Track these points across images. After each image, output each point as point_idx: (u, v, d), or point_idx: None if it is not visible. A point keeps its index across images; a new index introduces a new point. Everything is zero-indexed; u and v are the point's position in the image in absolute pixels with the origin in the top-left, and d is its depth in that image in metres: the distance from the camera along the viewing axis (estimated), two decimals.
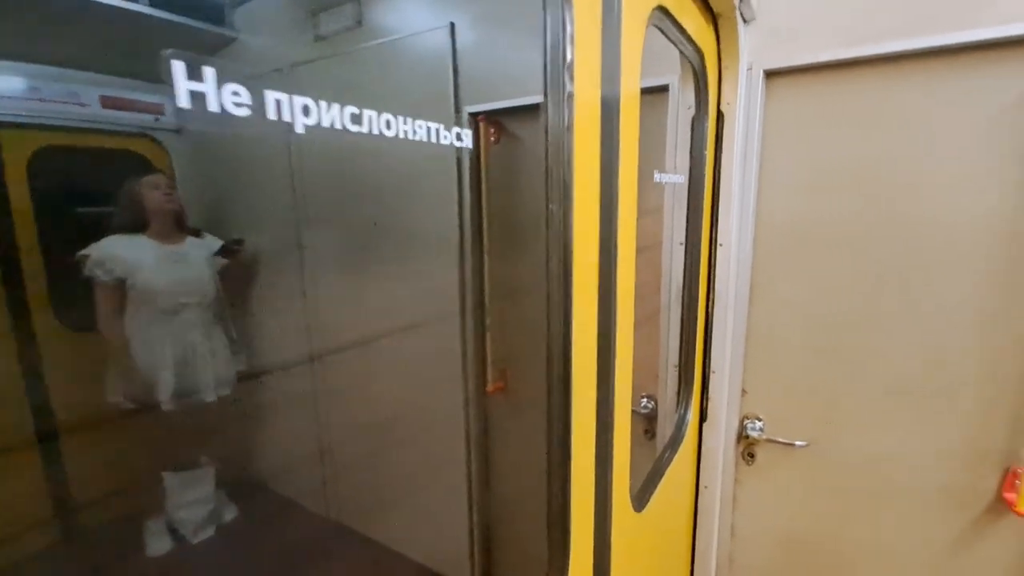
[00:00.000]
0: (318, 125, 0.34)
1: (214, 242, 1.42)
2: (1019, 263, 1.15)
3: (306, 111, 0.33)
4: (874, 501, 1.39)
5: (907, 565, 1.38)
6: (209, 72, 0.27)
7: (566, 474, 0.74)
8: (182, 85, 0.26)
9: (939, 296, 1.24)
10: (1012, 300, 1.17)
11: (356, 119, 0.37)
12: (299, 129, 0.33)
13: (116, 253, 1.20)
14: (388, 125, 0.39)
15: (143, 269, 1.26)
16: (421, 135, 0.44)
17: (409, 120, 0.42)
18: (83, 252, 1.12)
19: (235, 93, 0.29)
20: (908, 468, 1.33)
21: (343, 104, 0.35)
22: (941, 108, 1.18)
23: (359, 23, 1.83)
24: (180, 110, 0.26)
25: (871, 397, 1.35)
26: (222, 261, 1.38)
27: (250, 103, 0.30)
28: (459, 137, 0.52)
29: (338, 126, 0.35)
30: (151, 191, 1.21)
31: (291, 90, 0.34)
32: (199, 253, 1.36)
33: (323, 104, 0.34)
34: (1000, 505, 1.23)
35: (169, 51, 0.25)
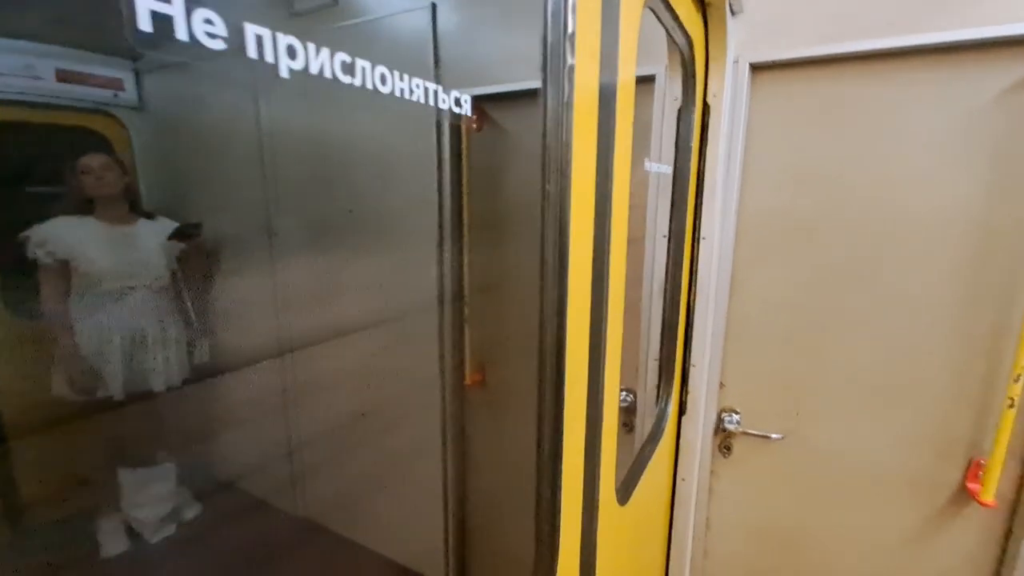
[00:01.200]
0: (305, 70, 0.29)
1: (169, 225, 1.35)
2: (984, 259, 1.19)
3: (291, 53, 0.29)
4: (844, 492, 1.42)
5: (875, 553, 1.41)
6: None
7: (556, 469, 0.72)
8: (143, 4, 0.21)
9: (908, 291, 1.27)
10: (976, 296, 1.20)
11: (348, 68, 0.33)
12: (283, 72, 0.28)
13: (58, 234, 1.11)
14: (383, 80, 0.35)
15: (86, 251, 1.18)
16: (418, 95, 0.40)
17: (406, 77, 0.38)
18: (25, 233, 1.05)
19: (208, 21, 0.24)
20: (877, 459, 1.36)
21: (334, 50, 0.31)
22: (915, 107, 1.20)
23: (336, 1, 1.75)
24: (141, 36, 0.22)
25: (842, 390, 1.38)
26: (179, 246, 1.30)
27: (225, 35, 0.25)
28: (457, 103, 0.48)
29: (328, 74, 0.31)
30: (95, 171, 1.13)
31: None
32: (151, 236, 1.29)
33: (311, 47, 0.30)
34: (964, 495, 1.28)
35: None
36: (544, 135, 0.60)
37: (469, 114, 0.47)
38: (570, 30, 0.57)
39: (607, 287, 0.78)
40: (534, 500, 0.73)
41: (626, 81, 0.76)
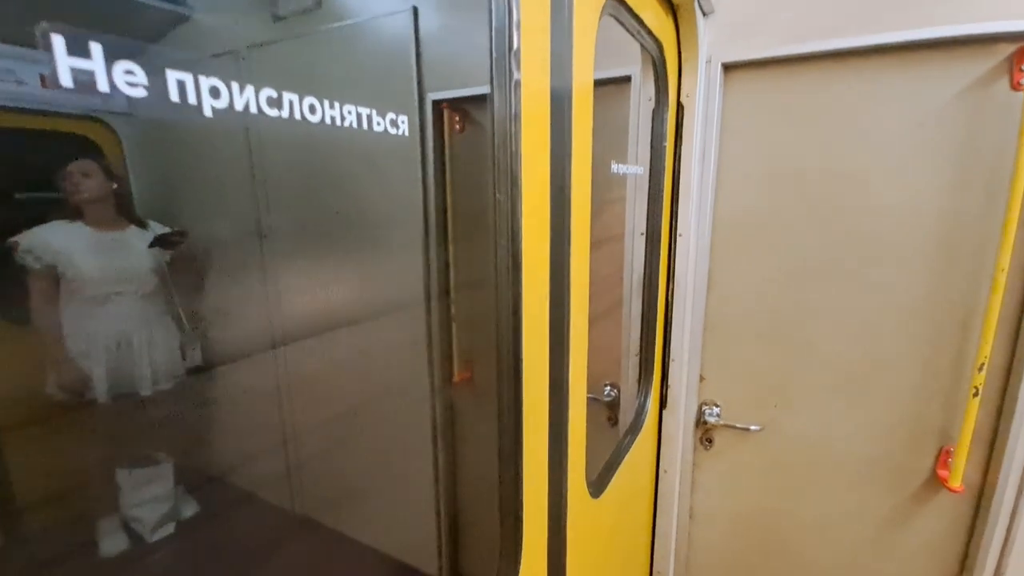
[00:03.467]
0: (229, 108, 0.32)
1: (161, 231, 1.37)
2: (950, 252, 1.21)
3: (215, 93, 0.32)
4: (821, 480, 1.46)
5: (850, 538, 1.45)
6: (96, 48, 0.25)
7: (517, 463, 0.75)
8: (63, 62, 0.24)
9: (878, 284, 1.29)
10: (944, 287, 1.23)
11: (274, 102, 0.35)
12: (207, 112, 0.31)
13: (46, 240, 1.15)
14: (312, 109, 0.38)
15: (73, 256, 1.21)
16: (350, 121, 0.42)
17: (336, 104, 0.41)
18: (14, 239, 1.08)
19: (129, 72, 0.27)
20: (852, 448, 1.40)
21: (259, 87, 0.34)
22: (882, 104, 1.22)
23: (319, 4, 1.77)
24: (63, 89, 0.25)
25: (818, 382, 1.41)
26: (166, 252, 1.34)
27: (146, 84, 0.28)
28: (394, 124, 0.51)
29: (253, 110, 0.34)
30: (81, 177, 1.16)
31: (244, 78, 0.32)
32: (138, 242, 1.32)
33: (235, 85, 0.32)
34: (935, 481, 1.31)
35: (45, 24, 0.23)
36: (493, 148, 0.63)
37: (406, 134, 0.50)
38: (515, 46, 0.60)
39: (567, 286, 0.81)
40: (498, 493, 0.77)
41: (582, 89, 0.78)
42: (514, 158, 0.63)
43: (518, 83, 0.62)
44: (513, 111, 0.62)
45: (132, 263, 1.34)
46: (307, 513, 2.09)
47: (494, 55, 0.60)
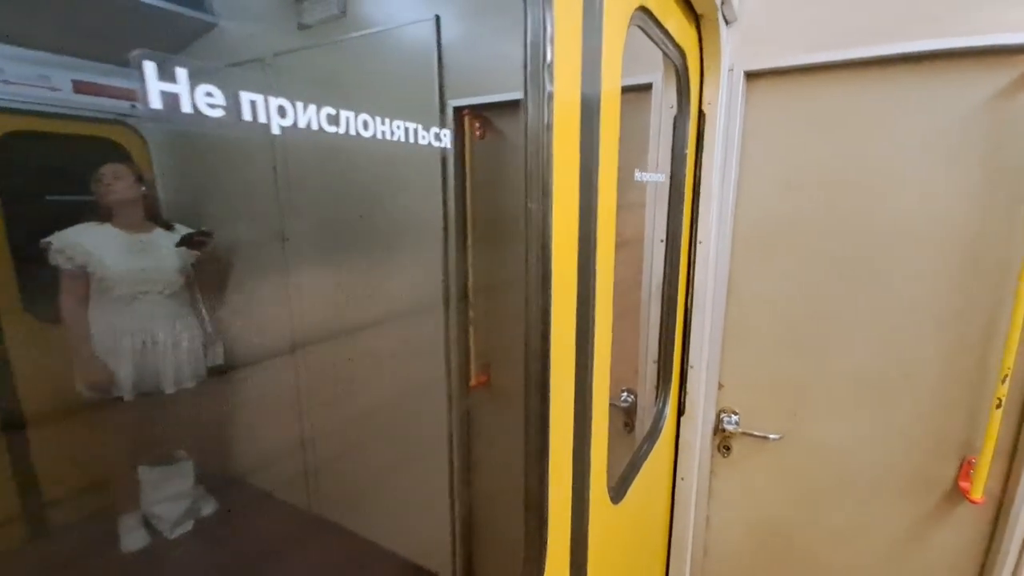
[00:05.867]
0: (294, 126, 0.34)
1: (184, 232, 1.41)
2: (972, 263, 1.20)
3: (282, 112, 0.34)
4: (842, 490, 1.44)
5: (868, 549, 1.43)
6: (182, 73, 0.27)
7: (543, 467, 0.76)
8: (154, 87, 0.26)
9: (901, 293, 1.28)
10: (968, 297, 1.22)
11: (333, 120, 0.37)
12: (275, 130, 0.33)
13: (78, 241, 1.19)
14: (365, 126, 0.40)
15: (103, 257, 1.25)
16: (398, 135, 0.44)
17: (387, 120, 0.42)
18: (47, 240, 1.12)
19: (208, 94, 0.29)
20: (873, 458, 1.38)
21: (320, 105, 0.36)
22: (905, 113, 1.22)
23: (343, 12, 1.81)
24: (153, 111, 0.26)
25: (840, 391, 1.40)
26: (192, 253, 1.37)
27: (224, 104, 0.30)
28: (438, 137, 0.53)
29: (315, 127, 0.36)
30: (112, 180, 1.20)
31: (270, 87, 0.34)
32: (165, 244, 1.36)
33: (299, 105, 0.34)
34: (956, 493, 1.29)
35: (139, 51, 0.25)
36: (526, 157, 0.64)
37: (449, 147, 0.51)
38: (548, 60, 0.62)
39: (593, 295, 0.82)
40: (523, 497, 0.78)
41: (610, 99, 0.80)
42: (546, 167, 0.64)
43: (551, 95, 0.63)
44: (546, 121, 0.63)
45: (159, 264, 1.38)
46: (322, 513, 2.11)
47: (528, 68, 0.61)
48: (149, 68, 0.26)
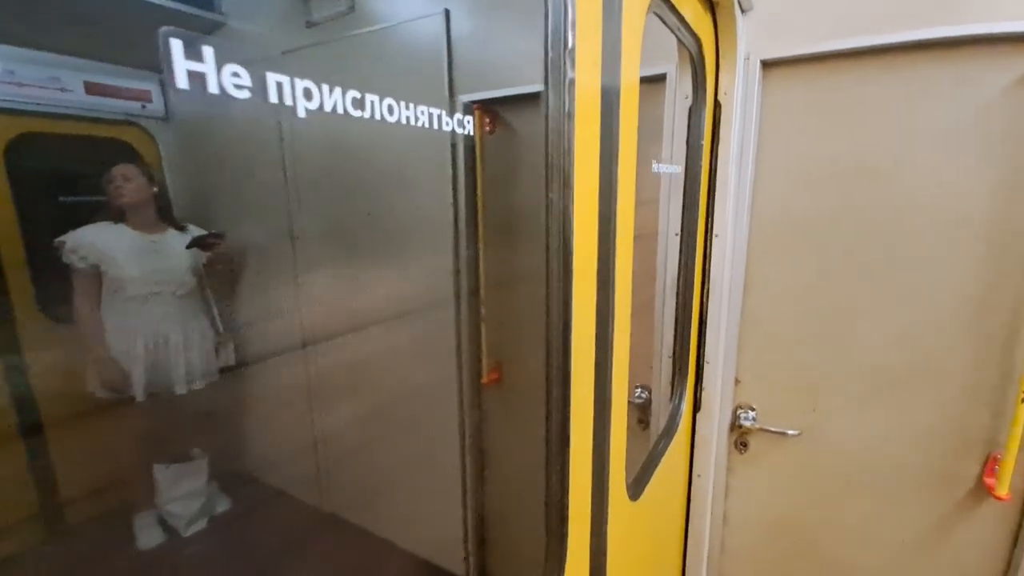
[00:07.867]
0: (320, 109, 0.33)
1: (197, 234, 1.40)
2: (995, 255, 1.17)
3: (308, 95, 0.32)
4: (862, 487, 1.42)
5: (890, 547, 1.41)
6: (208, 52, 0.26)
7: (564, 464, 0.75)
8: (180, 65, 0.25)
9: (922, 286, 1.25)
10: (993, 290, 1.19)
11: (358, 103, 0.36)
12: (301, 113, 0.32)
13: (91, 240, 1.19)
14: (390, 110, 0.38)
15: (115, 257, 1.25)
16: (423, 121, 0.43)
17: (411, 105, 0.41)
18: (60, 239, 1.12)
19: (235, 74, 0.28)
20: (895, 455, 1.36)
21: (345, 89, 0.34)
22: (925, 101, 1.19)
23: (352, 9, 1.80)
24: (178, 91, 0.25)
25: (859, 386, 1.37)
26: (203, 254, 1.37)
27: (250, 85, 0.29)
28: (460, 124, 0.52)
29: (340, 110, 0.34)
30: (123, 181, 1.20)
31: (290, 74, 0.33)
32: (177, 244, 1.35)
33: (325, 88, 0.33)
34: (982, 489, 1.26)
35: (165, 28, 0.24)
36: (547, 146, 0.62)
37: (471, 133, 0.50)
38: (570, 45, 0.60)
39: (613, 288, 0.80)
40: (544, 495, 0.76)
41: (629, 88, 0.78)
42: (567, 157, 0.63)
43: (572, 82, 0.61)
44: (567, 109, 0.62)
45: (171, 264, 1.38)
46: (335, 511, 2.11)
47: (550, 54, 0.60)
48: (176, 46, 0.25)
